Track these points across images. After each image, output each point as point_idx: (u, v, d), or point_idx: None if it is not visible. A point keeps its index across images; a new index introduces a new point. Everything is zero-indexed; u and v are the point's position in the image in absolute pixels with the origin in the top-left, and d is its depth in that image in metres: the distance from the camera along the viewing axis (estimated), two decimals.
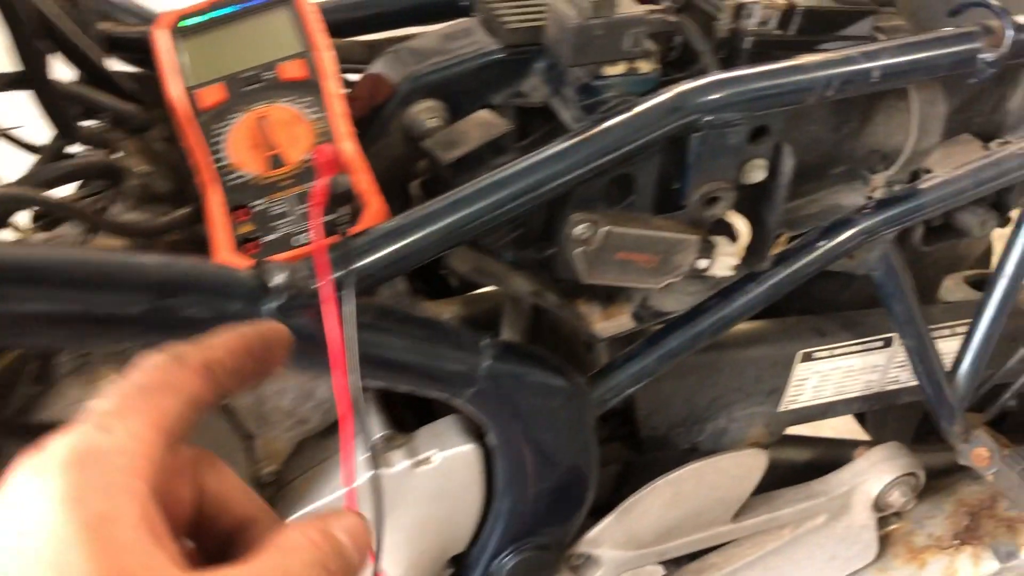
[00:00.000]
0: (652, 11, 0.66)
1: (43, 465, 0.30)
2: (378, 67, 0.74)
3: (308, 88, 0.67)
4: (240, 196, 0.63)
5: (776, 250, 0.76)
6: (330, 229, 0.58)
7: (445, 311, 0.93)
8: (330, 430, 0.77)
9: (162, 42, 0.70)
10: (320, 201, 0.59)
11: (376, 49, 0.86)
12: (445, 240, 0.60)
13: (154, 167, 0.68)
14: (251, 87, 0.67)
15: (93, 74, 0.71)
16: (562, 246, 0.68)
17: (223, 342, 0.37)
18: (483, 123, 0.67)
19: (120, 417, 0.32)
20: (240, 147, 0.64)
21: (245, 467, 0.73)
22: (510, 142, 0.66)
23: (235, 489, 0.38)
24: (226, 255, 0.60)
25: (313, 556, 0.33)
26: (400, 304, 0.66)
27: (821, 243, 0.76)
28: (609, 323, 0.76)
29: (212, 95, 0.66)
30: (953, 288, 1.11)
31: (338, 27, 0.86)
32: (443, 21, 0.87)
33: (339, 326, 0.56)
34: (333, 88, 0.67)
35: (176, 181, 0.69)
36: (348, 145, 0.64)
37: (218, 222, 0.62)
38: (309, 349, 0.58)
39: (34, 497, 0.29)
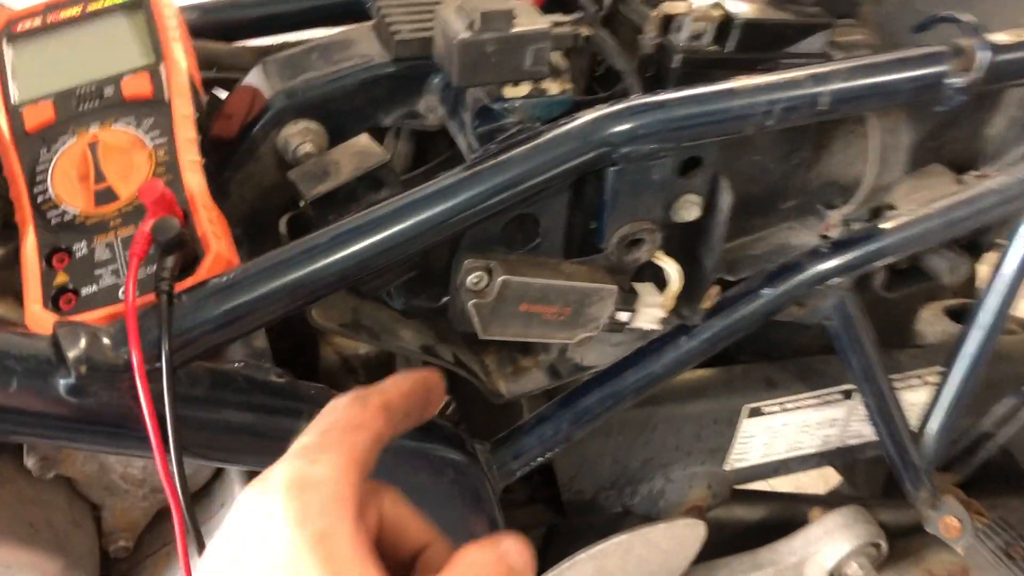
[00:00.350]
0: (559, 23, 0.57)
1: (268, 490, 0.35)
2: (253, 79, 0.65)
3: (154, 108, 0.57)
4: (58, 237, 0.53)
5: (712, 299, 0.66)
6: (152, 284, 0.49)
7: (361, 345, 0.84)
8: (199, 495, 0.68)
9: None
10: (139, 250, 0.49)
11: (268, 55, 0.76)
12: (297, 295, 0.51)
13: None
14: (87, 105, 0.57)
15: None
16: (454, 296, 0.59)
17: (394, 385, 0.44)
18: (358, 152, 0.57)
19: (323, 451, 0.37)
20: (66, 178, 0.55)
21: (92, 540, 0.64)
22: (389, 175, 0.57)
23: (411, 517, 0.41)
24: (35, 311, 0.51)
25: (497, 573, 0.36)
26: (255, 367, 0.56)
27: (766, 290, 0.67)
28: (518, 381, 0.66)
29: (39, 114, 0.57)
30: (931, 320, 1.02)
31: (226, 29, 0.77)
32: (347, 24, 0.78)
33: (150, 406, 0.46)
34: (183, 108, 0.57)
35: (4, 214, 0.59)
36: (192, 178, 0.55)
37: (30, 269, 0.52)
38: (123, 430, 0.48)
39: (265, 517, 0.35)
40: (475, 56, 0.53)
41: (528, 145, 0.55)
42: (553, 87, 0.58)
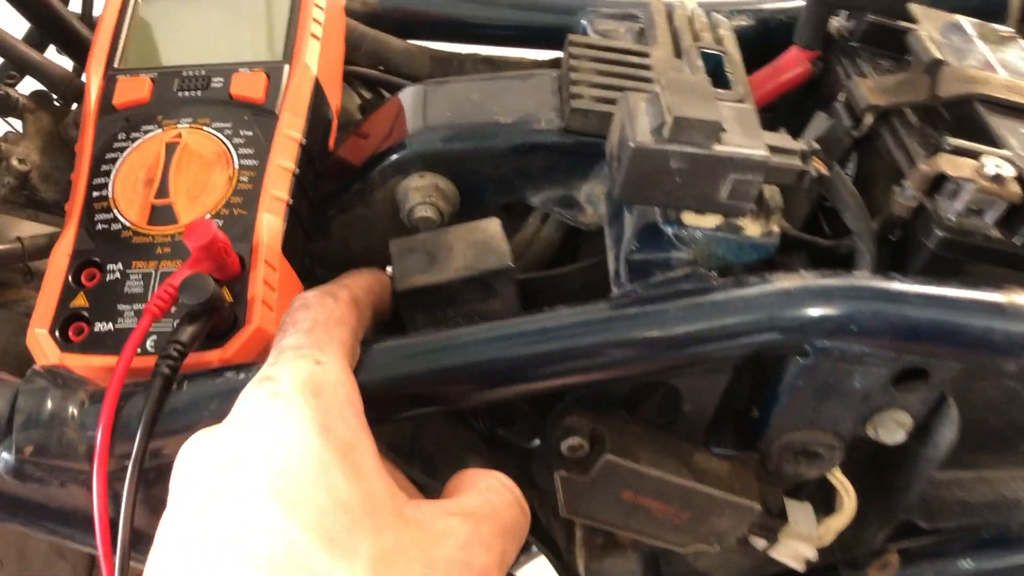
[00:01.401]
0: (784, 150, 0.42)
1: (283, 395, 0.32)
2: (406, 100, 0.54)
3: (258, 118, 0.48)
4: (97, 248, 0.45)
5: (887, 571, 0.50)
6: (162, 349, 0.39)
7: None
8: None
9: None
10: (156, 308, 0.39)
11: (445, 66, 0.65)
12: None
13: (48, 160, 0.51)
14: (188, 93, 0.49)
15: (37, 13, 0.55)
16: (542, 451, 0.46)
17: (354, 280, 0.41)
18: (479, 243, 0.45)
19: (322, 349, 0.34)
20: (131, 178, 0.46)
21: (77, 574, 0.57)
22: (505, 284, 0.44)
23: (395, 469, 0.38)
24: (37, 335, 0.43)
25: (513, 496, 0.36)
26: None
27: (967, 562, 0.50)
28: (604, 561, 0.53)
29: (133, 89, 0.49)
30: None
31: (409, 22, 0.67)
32: (550, 50, 0.66)
33: (104, 520, 0.37)
34: (291, 128, 0.47)
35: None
36: (269, 221, 0.45)
37: (52, 276, 0.44)
38: (70, 525, 0.39)
39: (284, 424, 0.31)
40: (651, 170, 0.40)
41: (692, 300, 0.41)
42: (752, 227, 0.44)
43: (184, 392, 0.38)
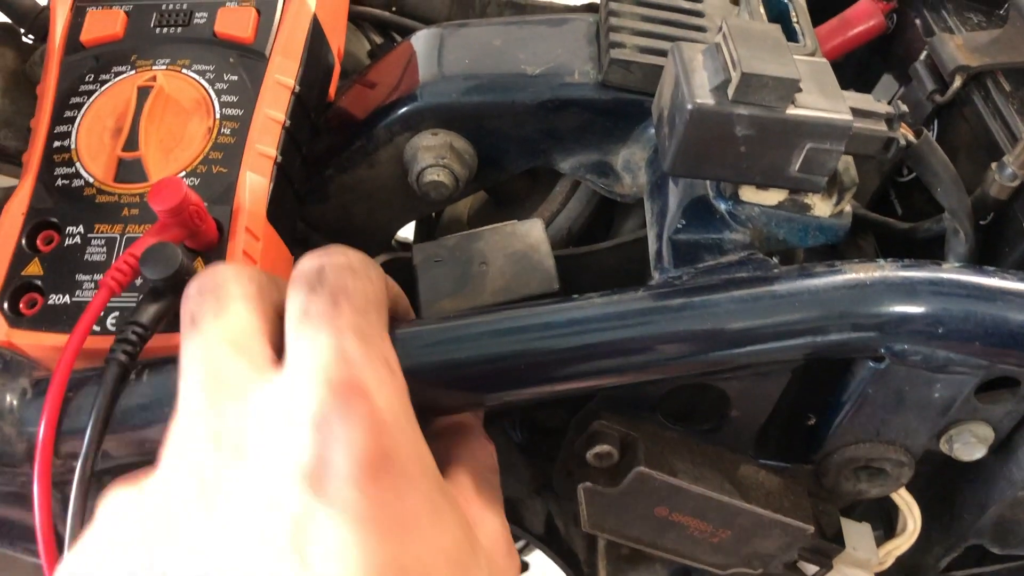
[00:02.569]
0: (869, 113, 0.35)
1: (338, 500, 0.25)
2: (419, 44, 0.47)
3: (246, 61, 0.41)
4: (56, 208, 0.39)
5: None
6: (118, 332, 0.33)
7: None
8: None
9: None
10: (114, 282, 0.34)
11: (466, 8, 0.59)
12: None
13: (10, 103, 0.45)
14: (167, 30, 0.42)
15: None
16: (560, 459, 0.41)
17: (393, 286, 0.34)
18: (521, 255, 0.40)
19: (383, 340, 0.29)
20: (97, 127, 0.40)
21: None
22: None
23: None
24: None
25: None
26: None
27: None
28: (629, 574, 0.47)
29: (104, 24, 0.43)
30: None
31: None
32: None
33: (47, 529, 0.31)
34: (283, 73, 0.41)
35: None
36: (253, 182, 0.38)
37: (2, 241, 0.38)
38: (13, 537, 0.34)
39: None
40: (711, 136, 0.33)
41: (748, 291, 0.35)
42: (821, 205, 0.37)
43: (144, 383, 0.32)
